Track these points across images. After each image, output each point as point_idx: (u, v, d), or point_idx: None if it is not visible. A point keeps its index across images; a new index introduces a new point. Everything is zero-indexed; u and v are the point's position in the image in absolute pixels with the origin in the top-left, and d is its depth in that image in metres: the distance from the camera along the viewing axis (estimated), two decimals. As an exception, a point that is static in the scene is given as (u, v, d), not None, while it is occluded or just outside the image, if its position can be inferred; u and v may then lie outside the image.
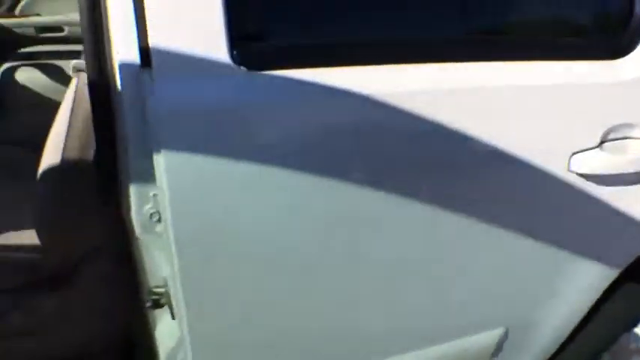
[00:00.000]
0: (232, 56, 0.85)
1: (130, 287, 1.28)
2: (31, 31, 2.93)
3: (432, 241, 1.03)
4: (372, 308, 1.05)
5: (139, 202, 0.94)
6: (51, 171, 1.17)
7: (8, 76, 1.85)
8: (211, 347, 1.02)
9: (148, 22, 0.81)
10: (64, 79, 1.85)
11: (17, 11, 3.06)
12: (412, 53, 0.93)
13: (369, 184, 0.93)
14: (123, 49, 0.84)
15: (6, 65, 1.91)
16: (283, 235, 0.94)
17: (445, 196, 0.99)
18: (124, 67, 0.84)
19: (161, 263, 1.03)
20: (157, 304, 1.11)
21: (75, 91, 1.12)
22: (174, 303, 1.03)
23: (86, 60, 0.90)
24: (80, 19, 0.89)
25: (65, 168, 1.15)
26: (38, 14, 3.04)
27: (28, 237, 1.33)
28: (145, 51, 0.82)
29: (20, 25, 2.96)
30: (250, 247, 0.93)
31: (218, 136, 0.85)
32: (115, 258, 1.28)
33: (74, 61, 1.12)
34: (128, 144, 0.88)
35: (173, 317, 1.04)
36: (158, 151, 0.82)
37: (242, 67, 0.86)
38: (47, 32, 2.90)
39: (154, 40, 0.82)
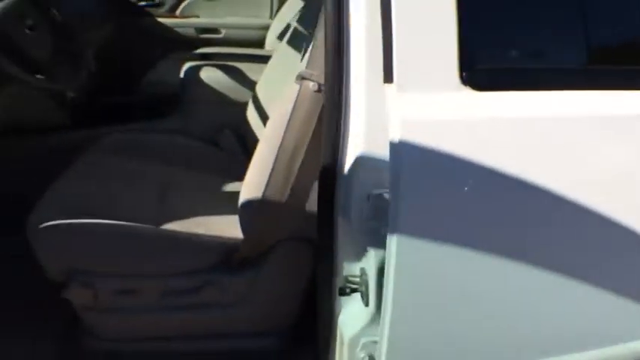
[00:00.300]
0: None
1: (314, 275, 1.43)
2: (191, 32, 3.23)
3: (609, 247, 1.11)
4: (554, 311, 1.14)
5: (357, 203, 1.08)
6: (251, 202, 1.36)
7: (191, 74, 2.06)
8: (406, 343, 1.14)
9: (394, 45, 0.95)
10: (243, 81, 2.04)
11: (178, 12, 3.39)
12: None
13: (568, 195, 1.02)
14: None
15: (189, 64, 2.13)
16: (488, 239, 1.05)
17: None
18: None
19: (361, 255, 1.16)
20: (346, 292, 1.24)
21: (296, 100, 1.27)
22: (370, 293, 1.16)
23: (326, 78, 1.06)
24: (325, 43, 1.04)
25: (265, 203, 1.33)
26: (197, 16, 3.34)
27: (225, 224, 1.51)
28: (388, 69, 0.96)
29: (181, 26, 3.27)
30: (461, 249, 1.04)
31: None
32: (302, 248, 1.43)
33: (302, 70, 1.26)
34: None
35: (367, 304, 1.17)
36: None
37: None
38: (206, 33, 3.19)
39: (397, 61, 0.95)
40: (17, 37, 1.49)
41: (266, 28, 3.05)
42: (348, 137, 1.13)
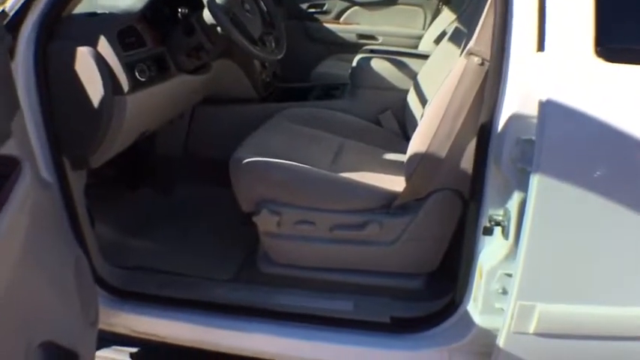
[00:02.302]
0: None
1: (460, 222, 1.69)
2: (352, 37, 3.64)
3: None
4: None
5: (508, 148, 1.35)
6: (417, 153, 1.65)
7: (363, 63, 2.42)
8: (537, 276, 1.35)
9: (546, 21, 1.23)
10: (407, 71, 2.37)
11: (342, 19, 3.81)
12: None
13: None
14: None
15: (361, 55, 2.50)
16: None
17: None
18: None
19: (506, 196, 1.42)
20: (489, 231, 1.49)
21: (462, 72, 1.56)
22: (510, 227, 1.41)
23: (491, 53, 1.35)
24: (494, 24, 1.33)
25: (429, 154, 1.62)
26: (358, 23, 3.75)
27: (387, 180, 1.82)
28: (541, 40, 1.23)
29: (344, 31, 3.69)
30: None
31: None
32: (452, 198, 1.71)
33: (470, 45, 1.54)
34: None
35: (507, 238, 1.42)
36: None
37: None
38: (365, 39, 3.58)
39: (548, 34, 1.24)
40: (241, 16, 1.94)
41: (419, 37, 3.40)
42: (504, 98, 1.39)
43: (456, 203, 1.69)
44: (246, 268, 1.96)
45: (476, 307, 1.54)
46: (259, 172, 1.76)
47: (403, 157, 2.02)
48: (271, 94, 2.55)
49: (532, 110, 1.29)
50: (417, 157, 1.64)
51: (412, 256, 1.79)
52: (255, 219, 1.78)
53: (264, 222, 1.79)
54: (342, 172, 1.83)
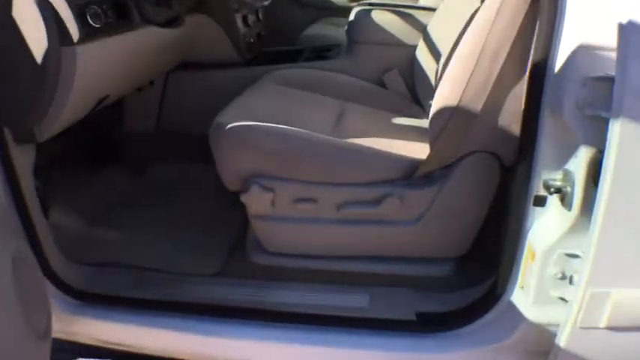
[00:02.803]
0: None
1: (498, 192, 1.38)
2: (344, 1, 3.29)
3: None
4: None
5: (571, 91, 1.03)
6: (445, 110, 1.34)
7: (362, 16, 2.08)
8: (617, 259, 1.06)
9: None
10: (414, 23, 2.03)
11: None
12: None
13: None
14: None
15: (359, 7, 2.16)
16: None
17: None
18: None
19: (567, 154, 1.10)
20: (541, 202, 1.17)
21: (500, 5, 1.23)
22: (575, 195, 1.08)
23: None
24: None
25: (460, 110, 1.31)
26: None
27: (402, 146, 1.50)
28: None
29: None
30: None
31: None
32: (488, 162, 1.38)
33: None
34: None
35: (570, 209, 1.10)
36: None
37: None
38: (356, 1, 3.22)
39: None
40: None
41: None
42: (562, 26, 1.07)
43: (494, 169, 1.38)
44: (234, 260, 1.63)
45: (525, 297, 1.24)
46: (246, 140, 1.43)
47: (417, 122, 1.71)
48: (256, 57, 2.19)
49: (605, 39, 0.99)
50: (444, 114, 1.32)
51: (439, 236, 1.48)
52: (243, 198, 1.45)
53: (255, 201, 1.46)
54: (347, 138, 1.50)
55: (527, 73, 1.15)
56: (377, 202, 1.44)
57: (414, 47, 1.97)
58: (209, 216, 1.82)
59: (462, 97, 1.28)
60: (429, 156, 1.37)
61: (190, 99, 2.08)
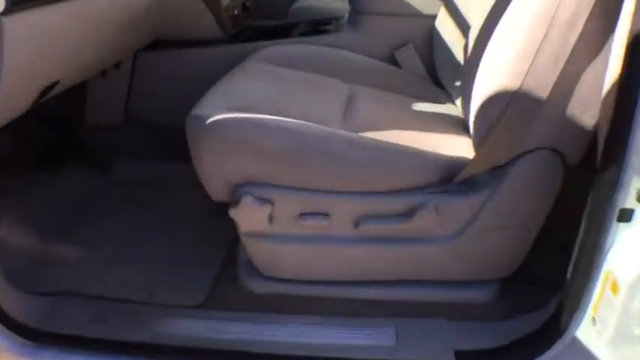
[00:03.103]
0: None
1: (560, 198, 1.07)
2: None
3: None
4: None
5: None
6: (499, 98, 1.02)
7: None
8: None
9: None
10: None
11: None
12: None
13: None
14: None
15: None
16: None
17: None
18: None
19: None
20: (627, 217, 0.87)
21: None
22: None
23: None
24: None
25: (520, 97, 1.00)
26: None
27: (434, 141, 1.17)
28: None
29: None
30: None
31: None
32: (549, 162, 1.07)
33: None
34: None
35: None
36: None
37: None
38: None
39: None
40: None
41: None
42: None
43: (555, 170, 1.09)
44: (222, 287, 1.31)
45: (599, 334, 0.98)
46: (235, 137, 1.10)
47: (444, 108, 1.38)
48: (241, 32, 1.84)
49: None
50: (498, 104, 1.00)
51: (484, 254, 1.18)
52: (232, 213, 1.12)
53: (247, 217, 1.13)
54: (363, 131, 1.17)
55: (624, 49, 0.83)
56: (407, 214, 1.12)
57: (433, 17, 1.64)
58: (190, 229, 1.49)
59: (524, 80, 0.96)
60: (477, 156, 1.05)
61: (164, 83, 1.73)
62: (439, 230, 1.13)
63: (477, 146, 1.05)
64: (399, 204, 1.11)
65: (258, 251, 1.20)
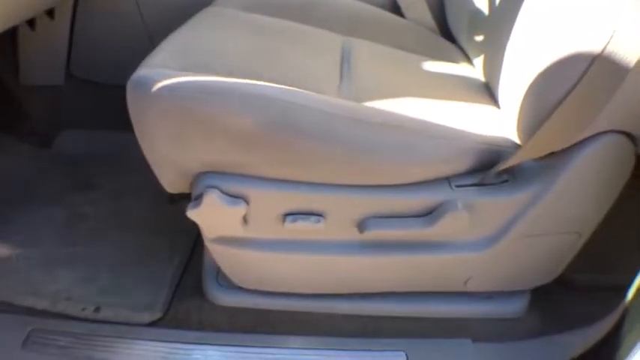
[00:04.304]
0: None
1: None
2: None
3: None
4: None
5: None
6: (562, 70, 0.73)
7: None
8: None
9: None
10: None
11: None
12: None
13: None
14: None
15: None
16: None
17: None
18: None
19: None
20: None
21: None
22: None
23: None
24: None
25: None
26: None
27: (463, 116, 0.88)
28: None
29: None
30: None
31: None
32: (618, 148, 0.79)
33: None
34: None
35: None
36: None
37: None
38: None
39: None
40: None
41: None
42: None
43: (625, 157, 0.82)
44: (185, 298, 1.03)
45: None
46: (192, 109, 0.78)
47: (461, 69, 1.09)
48: None
49: None
50: (572, 71, 0.70)
51: (521, 263, 0.91)
52: (192, 214, 0.82)
53: (214, 220, 0.84)
54: (367, 100, 0.87)
55: None
56: (428, 215, 0.83)
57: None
58: (145, 221, 1.19)
59: (605, 49, 0.66)
60: (538, 138, 0.76)
61: (114, 33, 1.39)
62: (469, 235, 0.85)
63: (532, 127, 0.76)
64: (418, 201, 0.83)
65: (228, 259, 0.91)
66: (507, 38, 0.89)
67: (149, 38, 1.39)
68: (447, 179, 0.83)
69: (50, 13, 1.32)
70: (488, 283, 0.94)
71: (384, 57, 1.13)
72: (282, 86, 0.81)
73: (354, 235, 0.85)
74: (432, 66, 1.14)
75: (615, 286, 0.79)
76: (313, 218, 0.83)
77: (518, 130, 0.82)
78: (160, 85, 0.77)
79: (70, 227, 1.19)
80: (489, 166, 0.82)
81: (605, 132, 0.78)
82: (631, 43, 0.67)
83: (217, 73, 0.83)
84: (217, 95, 0.77)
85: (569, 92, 0.71)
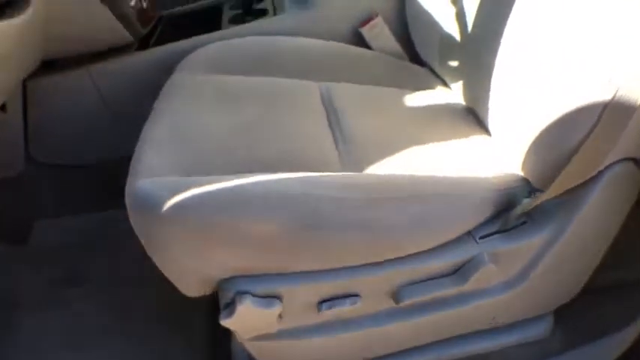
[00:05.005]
0: None
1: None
2: None
3: None
4: None
5: None
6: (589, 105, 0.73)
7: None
8: None
9: None
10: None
11: None
12: None
13: None
14: None
15: None
16: None
17: None
18: None
19: None
20: None
21: None
22: None
23: None
24: None
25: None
26: None
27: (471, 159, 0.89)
28: None
29: None
30: None
31: None
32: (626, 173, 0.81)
33: None
34: None
35: None
36: None
37: None
38: None
39: None
40: None
41: None
42: None
43: (634, 181, 0.85)
44: None
45: None
46: (210, 223, 0.75)
47: (439, 95, 1.09)
48: (154, 28, 1.43)
49: None
50: (589, 114, 0.71)
51: (545, 291, 0.93)
52: (226, 323, 0.79)
53: (250, 323, 0.81)
54: (366, 162, 0.86)
55: None
56: (458, 271, 0.82)
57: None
58: (151, 312, 1.14)
59: (617, 91, 0.67)
60: (568, 173, 0.76)
61: (70, 111, 1.33)
62: (496, 280, 0.85)
63: (549, 172, 0.77)
64: (447, 263, 0.82)
65: (264, 351, 0.88)
66: (490, 65, 0.90)
67: (109, 111, 1.32)
68: (470, 232, 0.83)
69: (2, 107, 1.24)
70: (514, 316, 0.95)
71: (364, 99, 1.12)
72: (295, 175, 0.78)
73: (389, 305, 0.84)
74: (412, 99, 1.13)
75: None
76: (349, 301, 0.81)
77: (530, 172, 0.83)
78: (170, 203, 0.73)
79: (70, 331, 1.13)
80: (505, 209, 0.83)
81: (617, 161, 0.79)
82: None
83: (219, 169, 0.80)
84: (236, 204, 0.74)
85: (587, 136, 0.71)
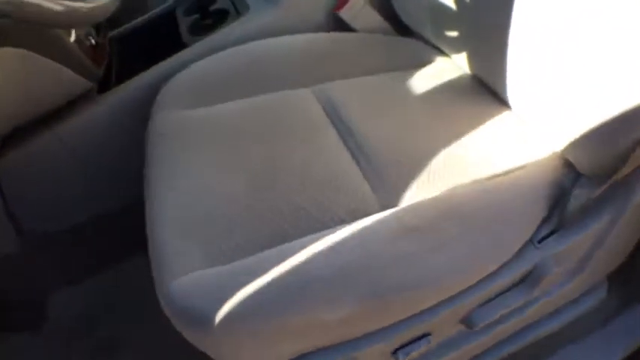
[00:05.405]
0: None
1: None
2: None
3: None
4: None
5: None
6: None
7: None
8: None
9: None
10: None
11: None
12: None
13: None
14: None
15: None
16: None
17: None
18: None
19: None
20: None
21: None
22: None
23: None
24: None
25: None
26: None
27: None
28: None
29: None
30: None
31: None
32: None
33: None
34: None
35: None
36: None
37: None
38: None
39: None
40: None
41: None
42: None
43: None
44: None
45: None
46: (271, 325, 0.69)
47: (441, 70, 1.02)
48: (109, 64, 1.30)
49: None
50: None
51: (598, 267, 0.92)
52: None
53: None
54: (401, 189, 0.80)
55: None
56: (523, 282, 0.79)
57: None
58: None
59: None
60: (621, 170, 0.71)
61: (49, 179, 1.22)
62: (560, 278, 0.83)
63: (619, 156, 0.72)
64: (511, 277, 0.79)
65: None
66: (502, 35, 0.82)
67: (91, 167, 1.23)
68: (530, 239, 0.79)
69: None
70: (574, 295, 0.93)
71: (366, 95, 1.05)
72: (340, 236, 0.72)
73: (461, 328, 0.81)
74: (415, 80, 1.06)
75: None
76: (423, 341, 0.78)
77: (581, 160, 0.78)
78: (223, 314, 0.67)
79: None
80: (555, 204, 0.78)
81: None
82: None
83: (258, 243, 0.73)
84: (295, 300, 0.68)
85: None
